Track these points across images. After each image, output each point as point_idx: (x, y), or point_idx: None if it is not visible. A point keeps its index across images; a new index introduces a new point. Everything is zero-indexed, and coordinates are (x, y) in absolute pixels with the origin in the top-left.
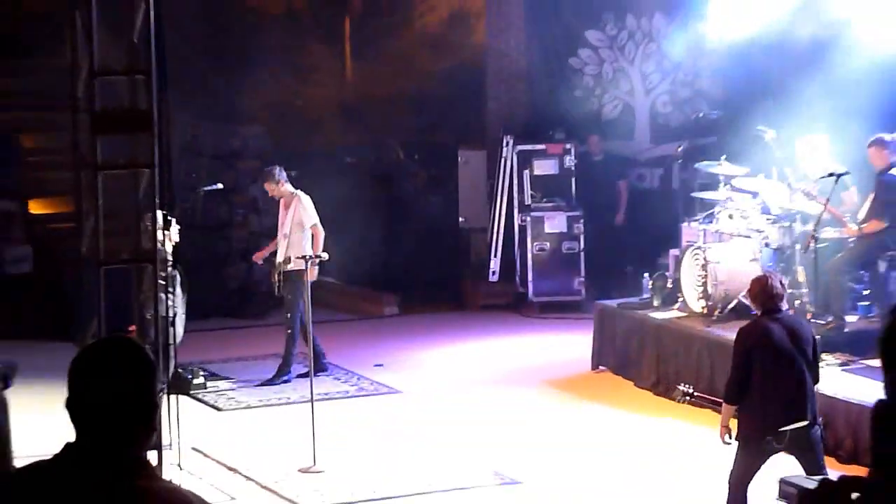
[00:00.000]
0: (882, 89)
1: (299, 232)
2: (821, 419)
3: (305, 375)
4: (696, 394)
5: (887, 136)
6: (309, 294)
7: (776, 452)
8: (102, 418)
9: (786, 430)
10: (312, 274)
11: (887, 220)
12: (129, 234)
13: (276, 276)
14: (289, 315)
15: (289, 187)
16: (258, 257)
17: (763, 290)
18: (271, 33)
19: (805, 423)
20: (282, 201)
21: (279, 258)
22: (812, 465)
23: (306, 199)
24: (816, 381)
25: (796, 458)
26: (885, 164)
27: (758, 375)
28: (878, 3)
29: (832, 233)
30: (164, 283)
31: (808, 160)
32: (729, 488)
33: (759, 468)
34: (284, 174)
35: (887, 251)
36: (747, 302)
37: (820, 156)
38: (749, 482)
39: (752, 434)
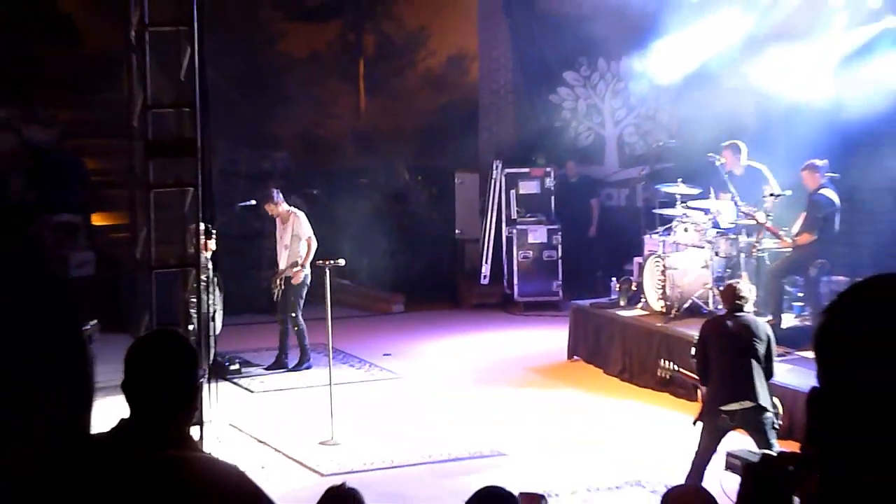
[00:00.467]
0: (806, 125)
1: (297, 243)
2: (776, 409)
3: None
4: (678, 369)
5: (818, 162)
6: (305, 293)
7: (730, 429)
8: (152, 398)
9: (733, 409)
10: (298, 277)
11: (817, 233)
12: (175, 243)
13: (279, 281)
14: (293, 315)
15: (285, 206)
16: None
17: (732, 294)
18: (297, 74)
19: (750, 405)
20: (278, 219)
21: (281, 266)
22: (762, 445)
23: (302, 216)
24: (769, 374)
25: (750, 436)
26: (815, 185)
27: (713, 363)
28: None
29: (771, 244)
30: (205, 284)
31: (731, 162)
32: (692, 464)
33: (716, 444)
34: (281, 196)
35: (817, 259)
36: (700, 302)
37: (742, 157)
38: (709, 459)
39: (708, 412)
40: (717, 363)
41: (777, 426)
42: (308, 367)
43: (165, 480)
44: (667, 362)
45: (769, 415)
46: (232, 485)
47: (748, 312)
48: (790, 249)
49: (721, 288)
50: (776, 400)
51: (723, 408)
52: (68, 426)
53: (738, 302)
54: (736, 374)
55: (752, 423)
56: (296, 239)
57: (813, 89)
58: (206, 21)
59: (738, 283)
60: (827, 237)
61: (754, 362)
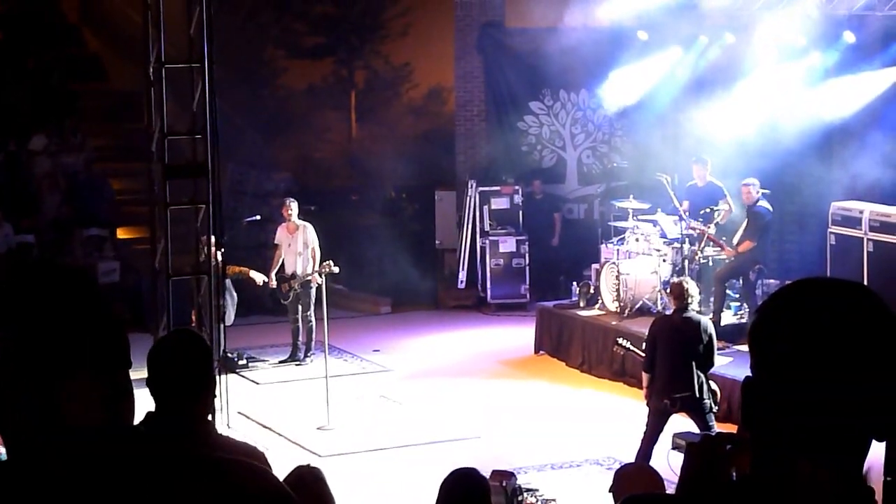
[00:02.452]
0: (742, 147)
1: (306, 251)
2: (715, 395)
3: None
4: (630, 347)
5: (756, 182)
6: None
7: (672, 413)
8: (176, 390)
9: (675, 397)
10: (316, 281)
11: (756, 240)
12: (190, 253)
13: (297, 285)
14: (307, 313)
15: (296, 219)
16: (273, 282)
17: (681, 292)
18: (296, 104)
19: (687, 394)
20: (287, 226)
21: (298, 272)
22: (702, 427)
23: (311, 228)
24: (709, 365)
25: (692, 419)
26: (752, 199)
27: (660, 355)
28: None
29: (711, 251)
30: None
31: (699, 176)
32: (641, 444)
33: (662, 426)
34: (296, 208)
35: (756, 264)
36: (649, 303)
37: (707, 171)
38: (655, 438)
39: (654, 398)
40: (663, 356)
41: (714, 410)
42: (310, 360)
43: (204, 480)
44: (623, 340)
45: (707, 401)
46: (269, 490)
47: (693, 310)
48: (731, 257)
49: (670, 286)
50: (715, 386)
51: (667, 397)
52: (107, 419)
53: (686, 301)
54: (679, 366)
55: (693, 408)
56: (305, 247)
57: (748, 116)
58: (216, 59)
59: (686, 280)
60: (766, 243)
61: (694, 357)
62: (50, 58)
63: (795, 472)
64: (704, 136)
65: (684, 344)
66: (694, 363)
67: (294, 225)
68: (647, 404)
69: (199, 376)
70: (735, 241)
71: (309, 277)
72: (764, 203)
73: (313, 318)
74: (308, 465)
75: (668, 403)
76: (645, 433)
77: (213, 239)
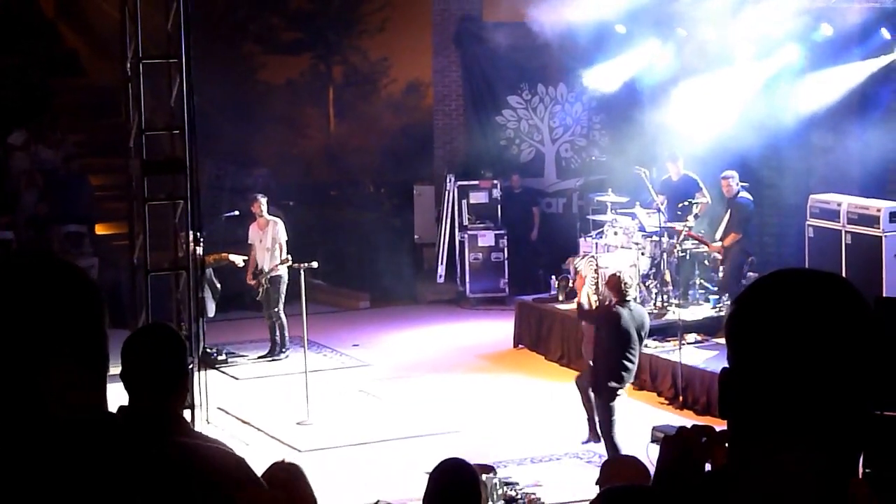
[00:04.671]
0: (721, 141)
1: (276, 247)
2: None
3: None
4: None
5: (735, 175)
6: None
7: (619, 396)
8: (147, 383)
9: (609, 386)
10: (277, 270)
11: (741, 231)
12: (168, 249)
13: (265, 280)
14: (276, 309)
15: (266, 215)
16: (251, 279)
17: (618, 284)
18: (275, 99)
19: (619, 385)
20: (258, 222)
21: (266, 267)
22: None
23: (281, 224)
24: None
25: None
26: (733, 192)
27: (607, 346)
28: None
29: (689, 245)
30: (194, 284)
31: (672, 171)
32: (603, 437)
33: (614, 411)
34: (265, 204)
35: (748, 256)
36: None
37: (680, 166)
38: (614, 425)
39: (603, 385)
40: (610, 347)
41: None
42: (286, 356)
43: (174, 465)
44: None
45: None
46: (232, 470)
47: (632, 300)
48: (716, 252)
49: (606, 280)
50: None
51: (619, 387)
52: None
53: (624, 292)
54: (629, 357)
55: (606, 394)
56: (274, 243)
57: (726, 108)
58: (194, 54)
59: (619, 272)
60: (750, 234)
61: (640, 345)
62: (27, 54)
63: (771, 463)
64: (683, 129)
65: (633, 335)
66: (632, 353)
67: (264, 220)
68: (594, 391)
69: (172, 370)
70: (718, 235)
71: (275, 273)
72: (745, 194)
73: (283, 315)
74: (285, 461)
75: (617, 387)
76: (602, 425)
77: (191, 234)
